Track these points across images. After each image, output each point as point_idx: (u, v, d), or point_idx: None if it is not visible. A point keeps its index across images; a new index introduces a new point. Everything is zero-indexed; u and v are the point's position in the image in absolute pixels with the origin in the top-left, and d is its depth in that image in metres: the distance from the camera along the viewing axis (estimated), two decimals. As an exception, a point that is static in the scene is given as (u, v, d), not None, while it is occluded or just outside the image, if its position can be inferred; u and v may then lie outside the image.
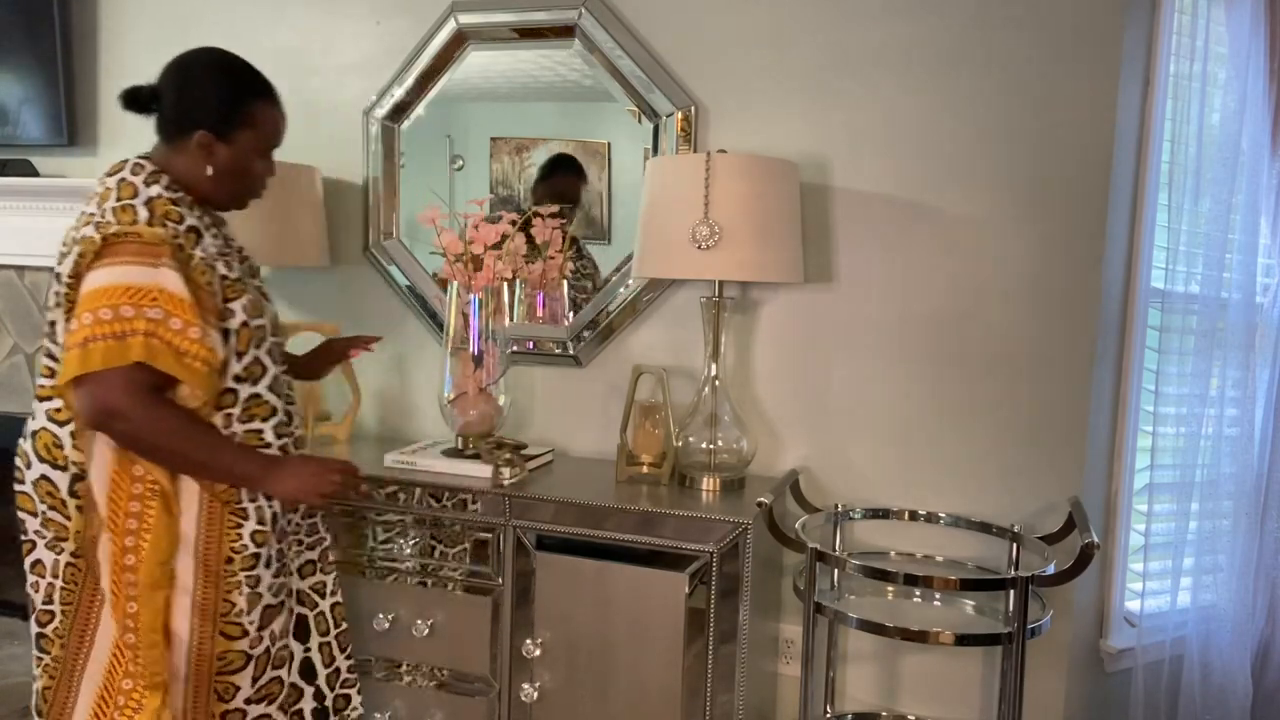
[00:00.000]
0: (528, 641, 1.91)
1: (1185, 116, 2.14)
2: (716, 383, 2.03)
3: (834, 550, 2.05)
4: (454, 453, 2.10)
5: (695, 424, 2.02)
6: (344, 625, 1.76)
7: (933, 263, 2.06)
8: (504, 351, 2.14)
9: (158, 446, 1.41)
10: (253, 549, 1.52)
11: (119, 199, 1.44)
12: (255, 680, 1.55)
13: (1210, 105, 2.17)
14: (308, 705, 1.68)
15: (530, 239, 2.18)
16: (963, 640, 1.73)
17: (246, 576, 1.52)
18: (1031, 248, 2.00)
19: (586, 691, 1.89)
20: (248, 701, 1.54)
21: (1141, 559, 2.24)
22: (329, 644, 1.73)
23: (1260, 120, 2.17)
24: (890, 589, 1.99)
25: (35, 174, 2.76)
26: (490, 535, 1.94)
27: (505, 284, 2.15)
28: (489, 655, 1.95)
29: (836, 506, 2.09)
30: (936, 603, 1.97)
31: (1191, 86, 2.14)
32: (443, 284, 2.32)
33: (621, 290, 2.25)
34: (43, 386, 1.50)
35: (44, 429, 1.49)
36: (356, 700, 1.77)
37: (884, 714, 2.12)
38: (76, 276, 1.41)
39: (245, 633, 1.52)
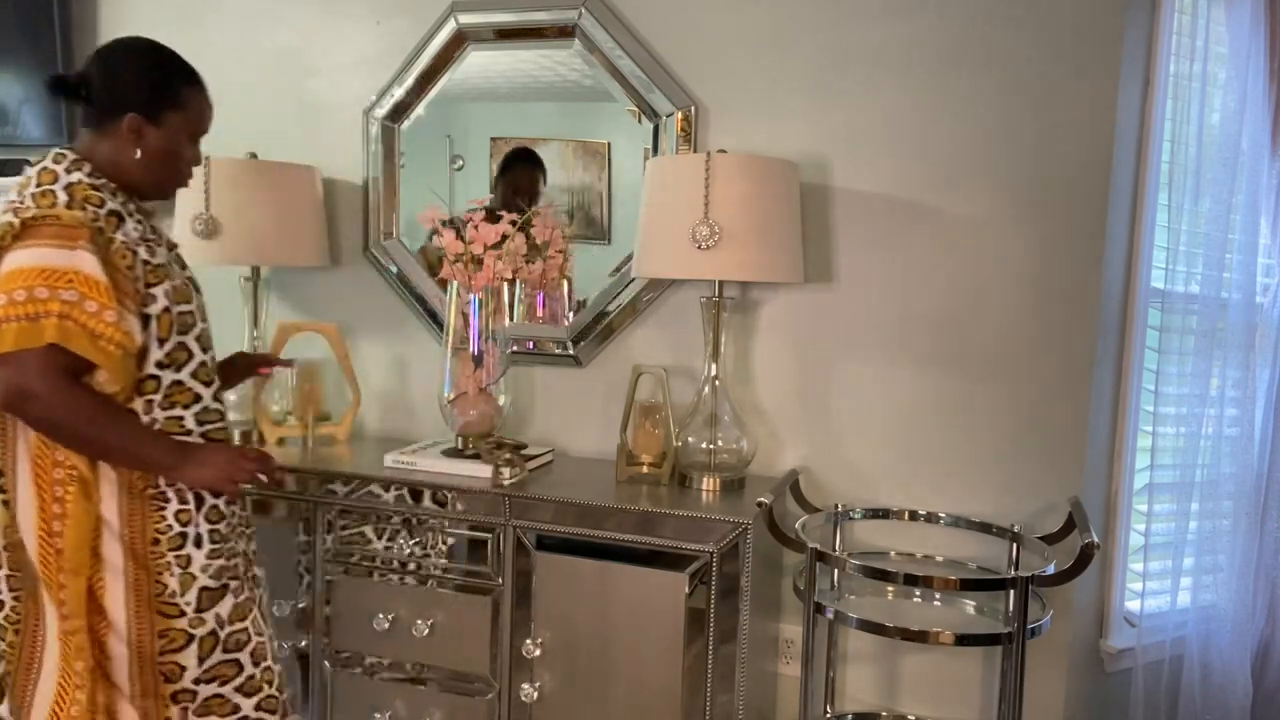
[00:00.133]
0: (527, 641, 1.91)
1: (1185, 116, 2.14)
2: (716, 383, 2.03)
3: (834, 550, 2.05)
4: (454, 453, 2.10)
5: (695, 424, 2.02)
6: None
7: (933, 263, 2.06)
8: (504, 351, 2.14)
9: (71, 430, 1.40)
10: (178, 529, 1.50)
11: (39, 185, 1.44)
12: (202, 661, 1.52)
13: (1210, 105, 2.17)
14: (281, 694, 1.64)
15: (531, 239, 2.18)
16: (963, 640, 1.73)
17: (175, 557, 1.50)
18: (1031, 248, 2.00)
19: (586, 691, 1.89)
20: (196, 682, 1.52)
21: (1141, 559, 2.24)
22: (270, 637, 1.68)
23: (1260, 120, 2.17)
24: (890, 589, 1.99)
25: (35, 174, 2.76)
26: (490, 535, 1.94)
27: (505, 284, 2.16)
28: (489, 655, 1.95)
29: (836, 506, 2.09)
30: (936, 603, 1.97)
31: (1191, 86, 2.14)
32: (443, 284, 2.32)
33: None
34: None
35: None
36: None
37: (884, 714, 2.12)
38: None
39: (183, 613, 1.50)
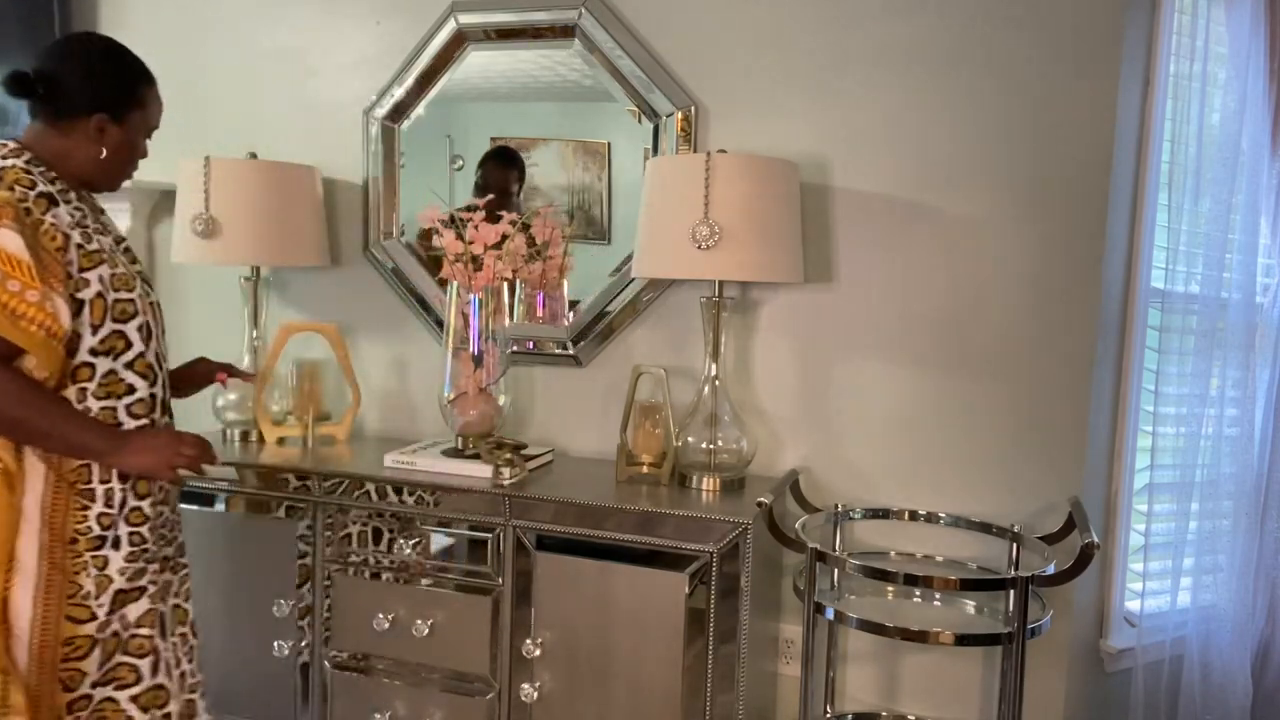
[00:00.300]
0: (527, 641, 1.91)
1: (1185, 116, 2.14)
2: (716, 382, 2.03)
3: (834, 550, 2.05)
4: (454, 453, 2.10)
5: (695, 424, 2.02)
6: (184, 630, 1.68)
7: (933, 263, 2.06)
8: (504, 351, 2.14)
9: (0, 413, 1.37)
10: (98, 531, 1.48)
11: None
12: (101, 665, 1.50)
13: (1210, 105, 2.17)
14: (174, 708, 1.60)
15: (530, 239, 2.18)
16: (963, 640, 1.73)
17: (93, 558, 1.48)
18: (1031, 248, 2.00)
19: (586, 691, 1.89)
20: (94, 685, 1.50)
21: (1141, 559, 2.24)
22: (174, 644, 1.65)
23: (1260, 120, 2.17)
24: (890, 589, 1.99)
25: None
26: (490, 535, 1.94)
27: (505, 284, 2.16)
28: (489, 655, 1.95)
29: (836, 506, 2.09)
30: (936, 603, 1.97)
31: (1191, 86, 2.14)
32: (443, 284, 2.32)
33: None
34: None
35: None
36: (202, 706, 1.70)
37: (884, 714, 2.12)
38: None
39: (94, 616, 1.48)
